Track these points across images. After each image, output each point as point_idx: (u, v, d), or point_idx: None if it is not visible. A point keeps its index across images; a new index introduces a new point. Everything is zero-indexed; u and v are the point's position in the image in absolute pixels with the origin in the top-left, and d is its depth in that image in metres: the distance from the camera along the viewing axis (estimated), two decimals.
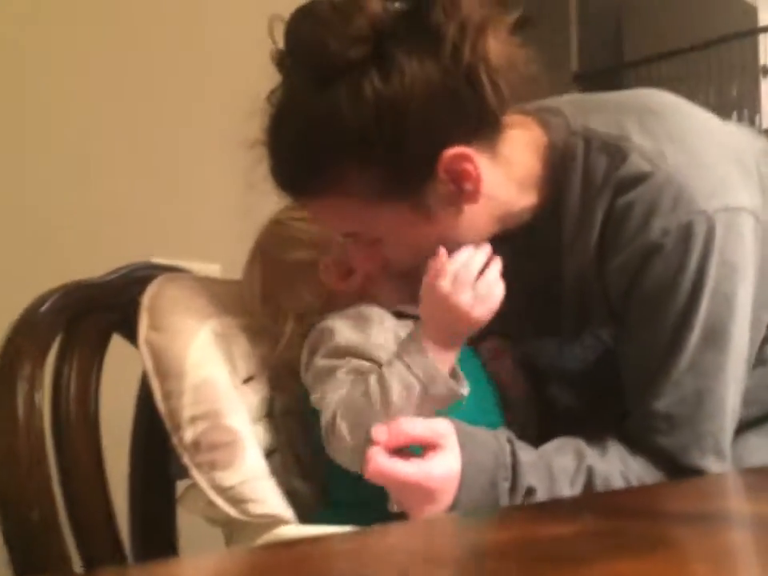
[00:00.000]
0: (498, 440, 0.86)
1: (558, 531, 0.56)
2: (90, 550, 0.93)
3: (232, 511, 0.87)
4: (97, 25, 1.77)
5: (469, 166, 0.84)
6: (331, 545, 0.60)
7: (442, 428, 0.82)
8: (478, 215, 0.89)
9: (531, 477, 0.85)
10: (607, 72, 9.15)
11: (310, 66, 0.83)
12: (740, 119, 8.13)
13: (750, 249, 0.88)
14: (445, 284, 0.84)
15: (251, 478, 0.89)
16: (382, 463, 0.78)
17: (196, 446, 0.89)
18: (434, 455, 0.81)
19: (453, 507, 0.81)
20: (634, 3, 9.01)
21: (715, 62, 7.99)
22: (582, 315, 0.94)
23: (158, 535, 0.97)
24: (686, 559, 0.50)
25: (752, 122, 7.98)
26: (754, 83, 8.12)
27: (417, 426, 0.81)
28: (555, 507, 0.65)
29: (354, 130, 0.81)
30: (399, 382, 0.83)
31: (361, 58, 0.79)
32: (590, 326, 0.94)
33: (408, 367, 0.83)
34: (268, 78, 0.88)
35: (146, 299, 0.96)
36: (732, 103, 8.07)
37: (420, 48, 0.80)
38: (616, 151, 0.89)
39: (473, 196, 0.87)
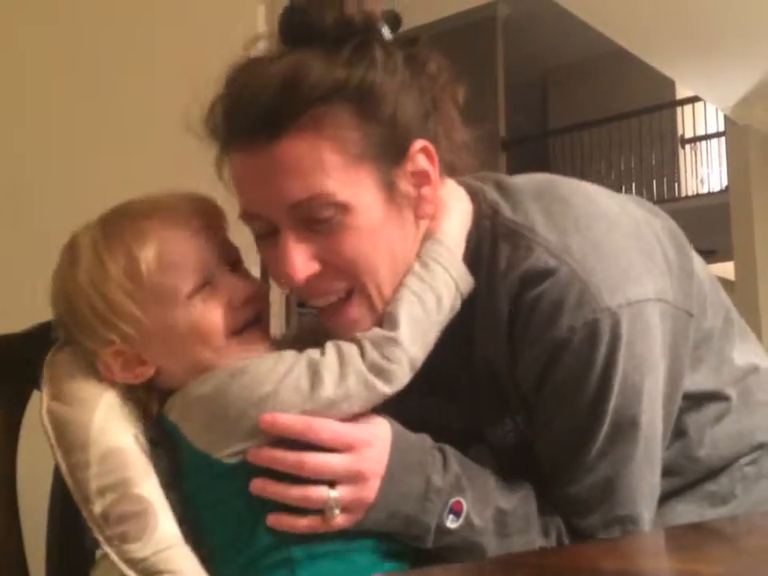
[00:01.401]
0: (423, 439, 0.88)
1: None
2: None
3: None
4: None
5: (429, 168, 0.87)
6: None
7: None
8: (417, 247, 0.91)
9: (459, 468, 0.87)
10: (533, 139, 9.51)
11: (325, 21, 0.85)
12: (659, 187, 8.48)
13: (658, 336, 0.89)
14: None
15: (164, 548, 0.85)
16: (319, 422, 0.81)
17: (105, 518, 0.84)
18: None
19: (387, 475, 0.82)
20: (558, 74, 9.40)
21: (636, 132, 8.38)
22: (498, 400, 0.94)
23: None
24: None
25: (671, 190, 8.32)
26: (672, 153, 8.47)
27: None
28: (485, 567, 0.64)
29: (358, 78, 0.83)
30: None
31: (372, 28, 0.86)
32: (508, 411, 0.94)
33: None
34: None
35: (45, 367, 0.92)
36: (651, 171, 8.40)
37: (406, 68, 0.87)
38: (521, 241, 0.89)
39: (428, 207, 0.89)
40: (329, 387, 0.81)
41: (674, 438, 0.96)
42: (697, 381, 0.97)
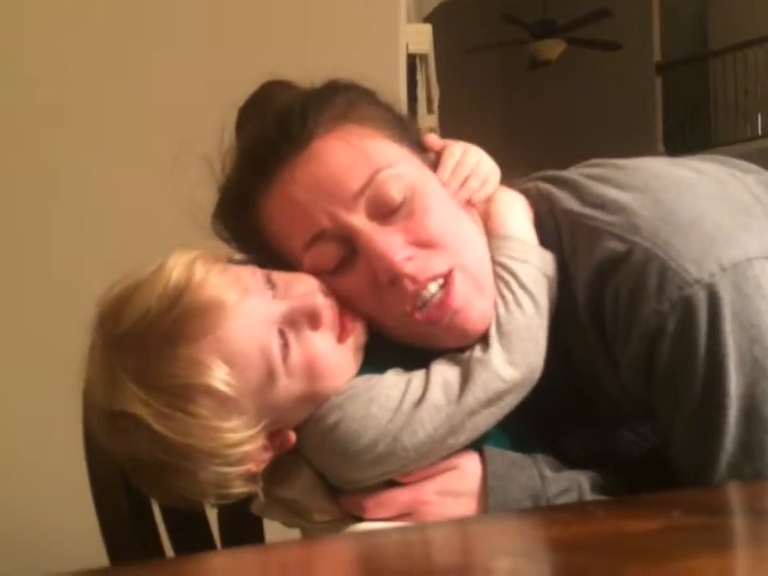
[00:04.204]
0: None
1: (644, 526, 0.55)
2: (180, 538, 0.96)
3: (297, 521, 0.85)
4: None
5: None
6: (409, 536, 0.61)
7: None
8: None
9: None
10: (691, 61, 9.00)
11: None
12: None
13: None
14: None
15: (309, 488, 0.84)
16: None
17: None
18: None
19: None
20: None
21: None
22: (611, 412, 0.88)
23: (245, 523, 0.99)
24: None
25: None
26: None
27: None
28: (641, 503, 0.65)
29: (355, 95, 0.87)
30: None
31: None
32: (626, 422, 0.88)
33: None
34: None
35: None
36: None
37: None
38: (585, 232, 0.83)
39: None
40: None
41: None
42: None
